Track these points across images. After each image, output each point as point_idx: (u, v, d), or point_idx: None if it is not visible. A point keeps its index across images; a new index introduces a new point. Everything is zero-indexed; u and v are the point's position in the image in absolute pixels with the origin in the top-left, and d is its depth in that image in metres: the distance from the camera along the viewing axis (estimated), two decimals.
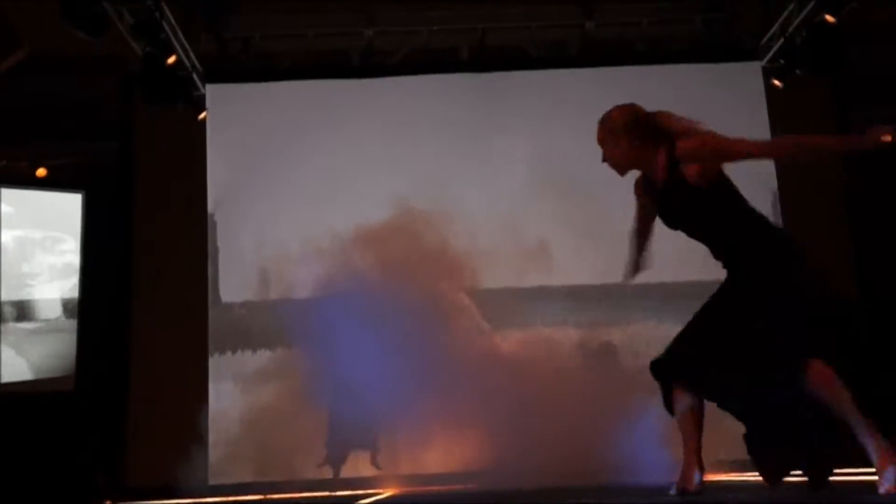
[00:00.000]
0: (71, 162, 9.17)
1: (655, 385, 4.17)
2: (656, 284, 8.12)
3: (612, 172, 4.19)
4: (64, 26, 7.38)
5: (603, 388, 7.07)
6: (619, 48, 9.76)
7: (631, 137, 4.02)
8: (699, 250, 4.24)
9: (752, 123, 9.49)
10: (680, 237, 4.21)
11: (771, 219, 4.34)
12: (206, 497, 7.34)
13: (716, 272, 4.21)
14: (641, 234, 4.31)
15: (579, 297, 8.74)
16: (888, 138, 3.55)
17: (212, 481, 8.13)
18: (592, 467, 6.10)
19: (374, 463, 7.90)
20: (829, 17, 8.35)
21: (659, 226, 4.25)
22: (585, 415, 6.65)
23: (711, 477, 4.85)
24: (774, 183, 9.19)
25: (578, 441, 6.41)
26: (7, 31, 8.62)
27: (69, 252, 8.58)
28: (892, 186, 9.13)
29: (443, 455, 7.39)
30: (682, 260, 6.15)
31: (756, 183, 9.14)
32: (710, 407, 4.11)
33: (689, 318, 4.18)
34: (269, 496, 7.23)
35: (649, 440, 6.21)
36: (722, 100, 9.57)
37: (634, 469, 6.00)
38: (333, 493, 7.01)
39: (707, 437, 4.11)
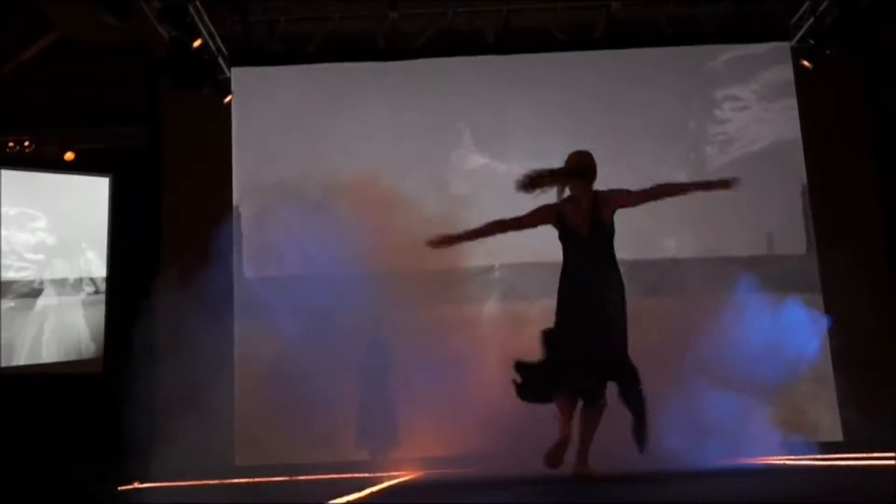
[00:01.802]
0: (98, 147, 9.22)
1: None
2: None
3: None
4: (92, 11, 7.43)
5: None
6: (645, 29, 9.58)
7: (592, 179, 5.25)
8: None
9: (781, 106, 9.45)
10: None
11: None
12: (233, 478, 7.40)
13: None
14: (497, 230, 5.42)
15: None
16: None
17: (239, 462, 8.24)
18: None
19: (393, 444, 7.86)
20: None
21: None
22: None
23: None
24: (804, 173, 9.13)
25: None
26: (35, 16, 8.67)
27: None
28: None
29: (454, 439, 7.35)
30: None
31: (785, 173, 9.17)
32: None
33: None
34: (294, 477, 7.26)
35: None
36: (750, 82, 9.51)
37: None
38: (356, 475, 7.00)
39: None
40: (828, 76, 9.04)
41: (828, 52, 8.81)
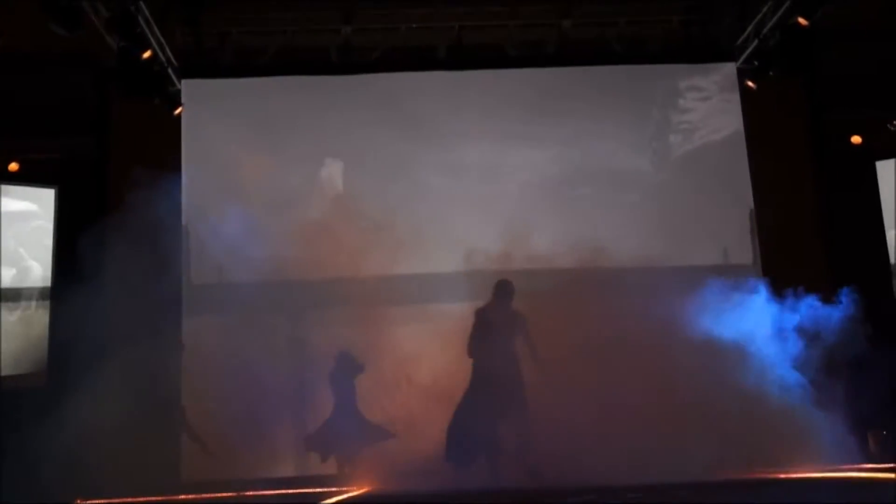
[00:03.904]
0: (45, 157, 9.06)
1: None
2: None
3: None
4: (39, 20, 7.32)
5: None
6: (596, 48, 9.75)
7: None
8: None
9: (727, 123, 9.67)
10: None
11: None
12: (179, 495, 7.30)
13: None
14: None
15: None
16: None
17: (185, 478, 8.11)
18: None
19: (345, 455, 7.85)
20: (802, 20, 8.41)
21: None
22: None
23: None
24: (751, 200, 9.35)
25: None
26: None
27: None
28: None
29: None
30: None
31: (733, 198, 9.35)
32: None
33: None
34: (241, 493, 7.18)
35: None
36: (697, 100, 9.73)
37: None
38: (306, 490, 6.97)
39: None
40: (771, 95, 9.32)
41: (771, 73, 9.07)
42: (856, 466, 6.77)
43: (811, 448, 6.93)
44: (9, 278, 8.48)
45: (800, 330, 7.57)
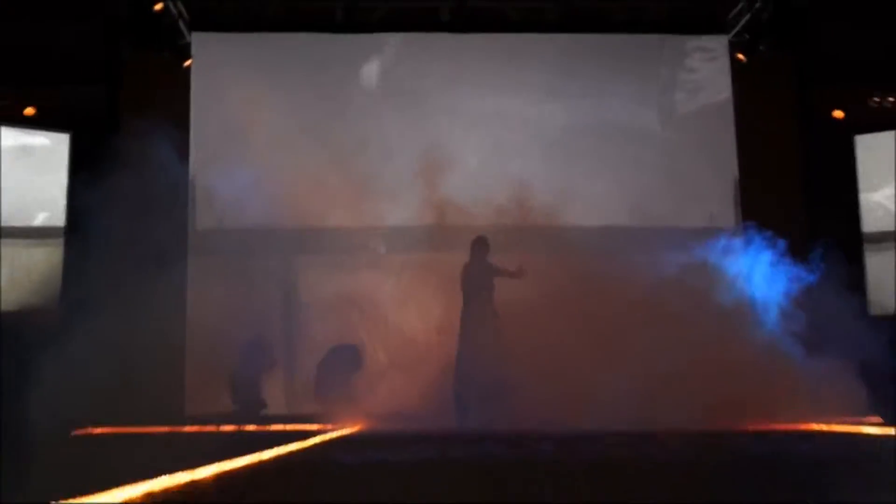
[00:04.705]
0: (59, 104, 9.26)
1: None
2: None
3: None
4: None
5: None
6: (596, 16, 9.88)
7: None
8: None
9: (717, 97, 9.88)
10: None
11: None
12: (184, 426, 7.51)
13: None
14: None
15: None
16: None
17: (188, 411, 8.48)
18: None
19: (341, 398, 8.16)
20: None
21: None
22: None
23: None
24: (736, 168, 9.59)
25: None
26: None
27: None
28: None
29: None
30: None
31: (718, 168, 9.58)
32: None
33: None
34: (242, 427, 7.47)
35: None
36: (690, 70, 9.90)
37: None
38: (302, 427, 7.19)
39: None
40: (761, 69, 9.54)
41: (761, 48, 9.28)
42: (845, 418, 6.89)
43: (797, 397, 7.04)
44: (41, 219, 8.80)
45: (783, 287, 8.03)
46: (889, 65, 9.25)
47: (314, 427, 6.92)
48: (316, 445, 5.17)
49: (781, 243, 8.19)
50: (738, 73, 9.73)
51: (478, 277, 7.77)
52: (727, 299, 7.80)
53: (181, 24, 9.40)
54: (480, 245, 7.88)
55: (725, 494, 3.26)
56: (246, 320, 8.26)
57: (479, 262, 7.85)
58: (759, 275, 8.29)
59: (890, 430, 6.36)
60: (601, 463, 4.28)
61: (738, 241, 8.65)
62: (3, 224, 8.44)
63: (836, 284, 7.78)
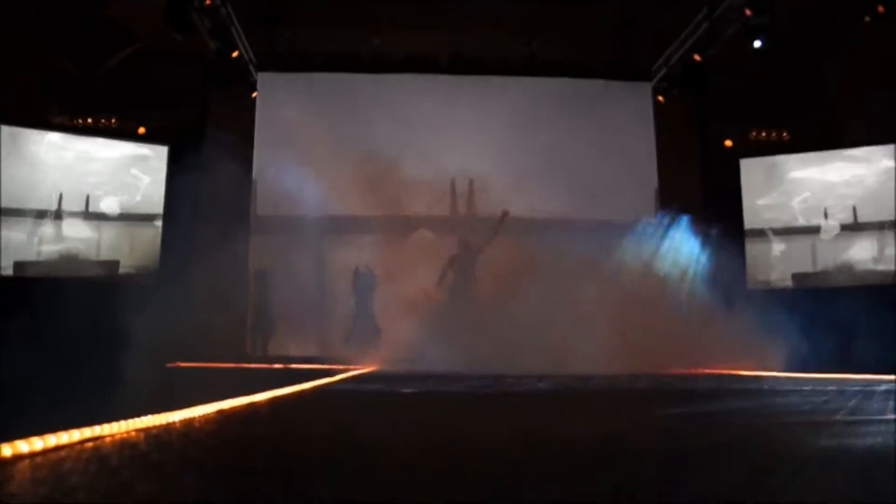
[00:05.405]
0: (161, 124, 9.28)
1: None
2: None
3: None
4: (163, 30, 7.55)
5: None
6: (552, 65, 9.74)
7: None
8: None
9: (643, 127, 9.82)
10: None
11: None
12: (243, 363, 7.41)
13: None
14: None
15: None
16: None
17: (249, 351, 8.48)
18: None
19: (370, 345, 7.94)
20: (697, 56, 8.63)
21: None
22: None
23: None
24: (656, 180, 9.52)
25: None
26: (125, 32, 8.82)
27: None
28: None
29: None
30: None
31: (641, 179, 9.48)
32: None
33: None
34: (288, 366, 7.34)
35: None
36: (621, 110, 9.80)
37: None
38: (334, 367, 6.85)
39: None
40: (674, 108, 9.51)
41: (675, 92, 9.28)
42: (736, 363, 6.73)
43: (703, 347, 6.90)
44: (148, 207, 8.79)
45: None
46: (765, 109, 9.34)
47: (341, 367, 6.94)
48: (343, 380, 5.16)
49: (687, 228, 8.44)
50: (658, 111, 9.65)
51: (465, 252, 7.81)
52: (646, 270, 7.94)
53: (251, 67, 9.33)
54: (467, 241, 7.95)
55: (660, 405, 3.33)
56: (292, 285, 8.26)
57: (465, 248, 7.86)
58: (671, 251, 8.41)
59: (760, 372, 6.41)
60: (590, 395, 4.29)
61: (655, 227, 8.65)
62: (124, 211, 8.53)
63: (726, 263, 8.06)
